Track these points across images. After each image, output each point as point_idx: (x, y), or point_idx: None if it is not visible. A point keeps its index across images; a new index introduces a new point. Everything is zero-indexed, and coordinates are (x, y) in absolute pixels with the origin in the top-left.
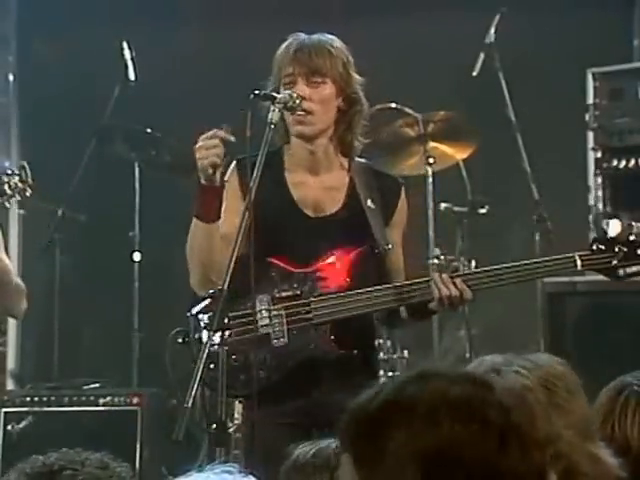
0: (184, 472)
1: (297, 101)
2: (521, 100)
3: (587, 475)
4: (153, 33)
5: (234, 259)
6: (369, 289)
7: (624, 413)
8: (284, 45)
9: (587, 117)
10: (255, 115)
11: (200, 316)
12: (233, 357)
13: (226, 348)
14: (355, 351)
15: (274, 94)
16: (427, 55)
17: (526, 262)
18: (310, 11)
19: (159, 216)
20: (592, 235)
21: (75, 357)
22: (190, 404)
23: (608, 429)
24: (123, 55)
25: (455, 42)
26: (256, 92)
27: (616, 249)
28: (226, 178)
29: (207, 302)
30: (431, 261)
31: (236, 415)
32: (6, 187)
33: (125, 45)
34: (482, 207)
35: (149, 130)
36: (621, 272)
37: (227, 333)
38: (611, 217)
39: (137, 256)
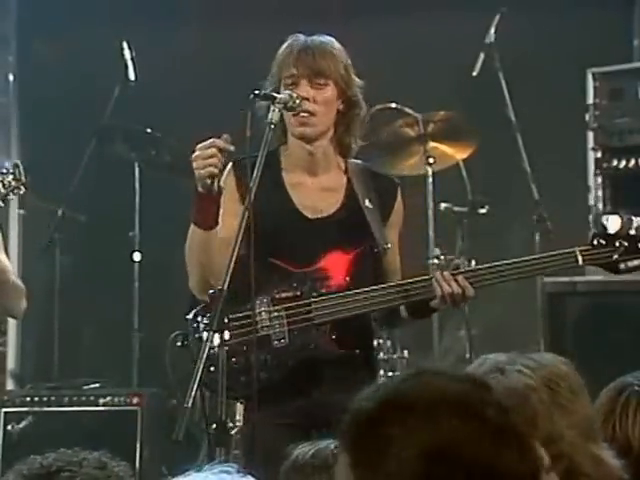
0: (183, 472)
1: (297, 101)
2: (521, 100)
3: (589, 476)
4: (153, 33)
5: (234, 259)
6: (370, 288)
7: (625, 413)
8: (285, 46)
9: (587, 117)
10: (253, 115)
11: (199, 318)
12: (233, 359)
13: (226, 349)
14: (357, 351)
15: (274, 94)
16: (427, 55)
17: (527, 258)
18: (310, 11)
19: (159, 216)
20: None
21: (75, 357)
22: (190, 404)
23: (609, 429)
24: (123, 55)
25: (455, 42)
26: (256, 92)
27: (617, 243)
28: (222, 180)
29: (207, 303)
30: (431, 261)
31: (237, 417)
32: (0, 186)
33: (125, 45)
34: (482, 207)
35: (149, 130)
36: (622, 266)
37: (227, 336)
38: (610, 213)
39: (137, 256)
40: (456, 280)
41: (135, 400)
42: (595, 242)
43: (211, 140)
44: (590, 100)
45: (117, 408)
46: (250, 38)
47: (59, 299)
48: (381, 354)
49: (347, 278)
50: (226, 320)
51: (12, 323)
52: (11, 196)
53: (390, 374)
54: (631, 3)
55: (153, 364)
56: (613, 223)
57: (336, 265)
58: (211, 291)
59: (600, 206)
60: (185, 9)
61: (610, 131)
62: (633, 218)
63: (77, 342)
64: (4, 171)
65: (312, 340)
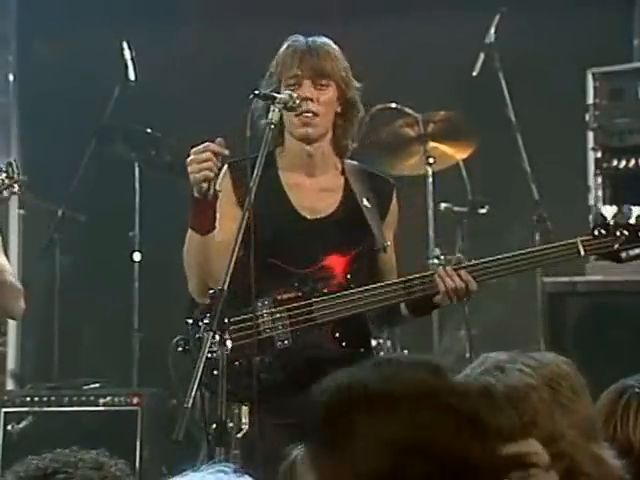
0: (181, 472)
1: (297, 101)
2: (521, 100)
3: (589, 475)
4: (153, 33)
5: (234, 260)
6: (372, 286)
7: (626, 415)
8: (285, 47)
9: (587, 117)
10: (252, 116)
11: (200, 323)
12: (236, 363)
13: (226, 352)
14: (362, 349)
15: (274, 94)
16: (427, 55)
17: (529, 250)
18: (310, 11)
19: (159, 216)
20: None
21: (75, 357)
22: (190, 404)
23: (610, 430)
24: (123, 55)
25: (455, 42)
26: (256, 92)
27: (617, 233)
28: (218, 184)
29: (207, 304)
30: (431, 261)
31: (243, 420)
32: None
33: (125, 45)
34: (482, 207)
35: (149, 130)
36: (624, 255)
37: (230, 341)
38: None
39: (137, 256)
40: (459, 275)
41: (135, 400)
42: (596, 232)
43: (205, 144)
44: (590, 100)
45: (117, 408)
46: (250, 38)
47: (59, 299)
48: (381, 354)
49: (348, 277)
50: (226, 320)
51: (12, 323)
52: (5, 194)
53: None
54: (631, 3)
55: (153, 364)
56: (610, 213)
57: (336, 265)
58: (211, 291)
59: (600, 206)
60: (185, 9)
61: (610, 131)
62: (632, 207)
63: (77, 342)
64: None
65: (315, 340)
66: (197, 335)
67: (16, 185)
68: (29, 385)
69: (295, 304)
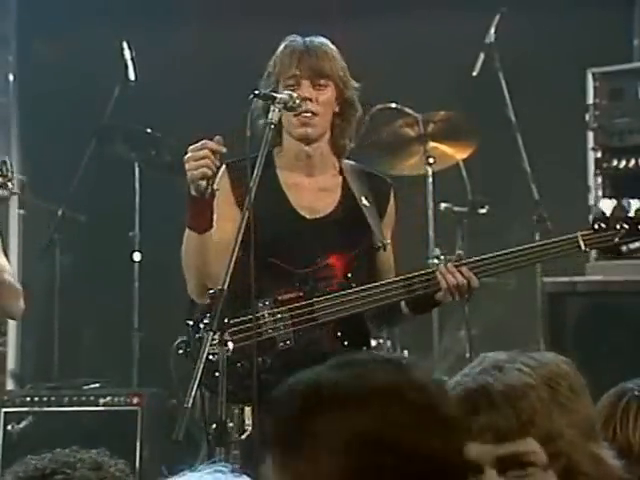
0: (179, 472)
1: (297, 101)
2: (521, 100)
3: (588, 475)
4: (153, 33)
5: (234, 259)
6: (373, 284)
7: (625, 417)
8: (283, 47)
9: (587, 117)
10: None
11: (200, 325)
12: (238, 364)
13: (228, 353)
14: (363, 348)
15: (274, 94)
16: (427, 55)
17: (530, 245)
18: (310, 11)
19: (159, 216)
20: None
21: (75, 357)
22: (190, 404)
23: (610, 432)
24: (123, 55)
25: (455, 42)
26: (256, 92)
27: (617, 226)
28: (216, 183)
29: (207, 304)
30: (431, 261)
31: (247, 421)
32: None
33: (125, 45)
34: (482, 207)
35: (149, 130)
36: (624, 249)
37: (231, 342)
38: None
39: (137, 256)
40: (460, 271)
41: (135, 400)
42: (596, 226)
43: (203, 141)
44: (590, 100)
45: (117, 408)
46: (250, 38)
47: (59, 299)
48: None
49: (348, 276)
50: (226, 320)
51: (12, 323)
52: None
53: None
54: (631, 3)
55: (153, 364)
56: (607, 207)
57: (337, 264)
58: (211, 291)
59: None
60: (185, 9)
61: (610, 131)
62: (631, 201)
63: (77, 342)
64: None
65: (317, 339)
66: (197, 335)
67: (10, 184)
68: (29, 385)
69: (296, 304)
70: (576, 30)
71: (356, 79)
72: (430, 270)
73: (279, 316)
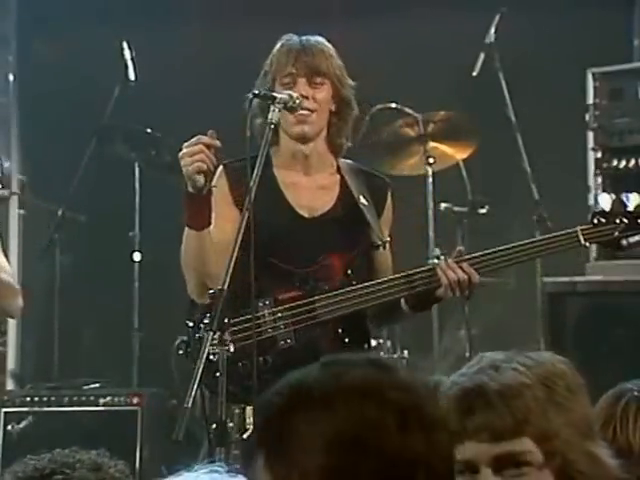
0: (176, 472)
1: (297, 101)
2: (521, 100)
3: (584, 474)
4: (153, 33)
5: (234, 259)
6: (374, 281)
7: (625, 418)
8: (279, 45)
9: (587, 117)
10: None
11: (201, 325)
12: (239, 364)
13: (229, 353)
14: (364, 345)
15: (274, 94)
16: (427, 55)
17: (530, 240)
18: (310, 11)
19: (159, 216)
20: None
21: (75, 357)
22: (190, 404)
23: (610, 433)
24: (123, 55)
25: (455, 42)
26: (256, 92)
27: (617, 221)
28: (215, 182)
29: (207, 304)
30: (431, 261)
31: (248, 420)
32: None
33: (125, 45)
34: (482, 207)
35: (149, 130)
36: (624, 242)
37: (231, 343)
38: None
39: (137, 256)
40: (461, 267)
41: (135, 400)
42: (595, 221)
43: (197, 137)
44: (590, 100)
45: (117, 408)
46: (250, 38)
47: (59, 299)
48: (381, 354)
49: (348, 274)
50: (226, 320)
51: (12, 323)
52: None
53: None
54: (631, 3)
55: (153, 364)
56: (605, 201)
57: (337, 262)
58: (211, 291)
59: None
60: (185, 9)
61: (610, 131)
62: (629, 195)
63: (77, 342)
64: None
65: (317, 338)
66: (197, 335)
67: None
68: (29, 385)
69: (296, 303)
70: (576, 30)
71: (356, 79)
72: (430, 266)
73: (279, 315)
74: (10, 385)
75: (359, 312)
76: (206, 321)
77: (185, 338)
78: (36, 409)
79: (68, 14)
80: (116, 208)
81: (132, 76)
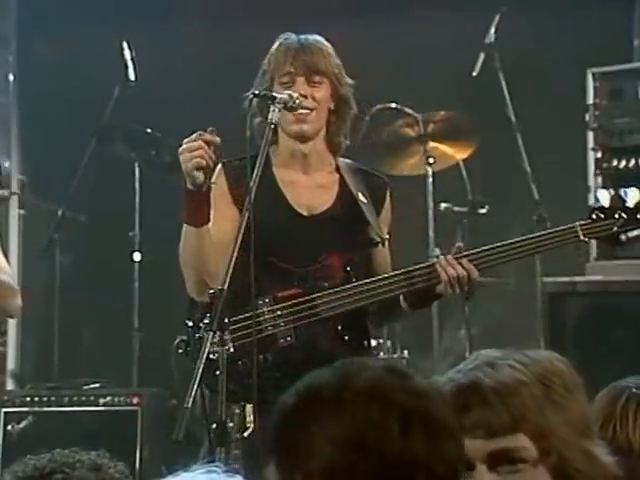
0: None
1: (297, 101)
2: (521, 100)
3: (581, 471)
4: (153, 33)
5: (234, 259)
6: (374, 278)
7: (625, 416)
8: (277, 44)
9: (587, 117)
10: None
11: (200, 324)
12: (239, 362)
13: (229, 352)
14: (364, 343)
15: (275, 94)
16: (427, 55)
17: (529, 236)
18: (312, 11)
19: (159, 216)
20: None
21: (75, 357)
22: (190, 404)
23: (610, 431)
24: (123, 55)
25: (455, 42)
26: (255, 92)
27: (615, 216)
28: (214, 180)
29: (207, 304)
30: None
31: (248, 418)
32: None
33: (125, 45)
34: (482, 207)
35: (149, 130)
36: (623, 237)
37: (231, 342)
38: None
39: (137, 256)
40: (460, 263)
41: (135, 400)
42: (594, 216)
43: (197, 133)
44: (590, 100)
45: (117, 408)
46: (251, 38)
47: (59, 299)
48: (381, 354)
49: (348, 271)
50: (226, 320)
51: (12, 323)
52: None
53: None
54: (631, 3)
55: (153, 364)
56: (603, 197)
57: (336, 260)
58: (211, 291)
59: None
60: (186, 9)
61: (610, 131)
62: (627, 190)
63: (77, 342)
64: None
65: (317, 336)
66: (197, 335)
67: None
68: (29, 385)
69: (296, 301)
70: (576, 30)
71: (356, 79)
72: (430, 263)
73: (279, 313)
74: (10, 385)
75: (359, 310)
76: (206, 321)
77: (185, 337)
78: (36, 409)
79: (68, 14)
80: (116, 208)
81: (132, 76)
